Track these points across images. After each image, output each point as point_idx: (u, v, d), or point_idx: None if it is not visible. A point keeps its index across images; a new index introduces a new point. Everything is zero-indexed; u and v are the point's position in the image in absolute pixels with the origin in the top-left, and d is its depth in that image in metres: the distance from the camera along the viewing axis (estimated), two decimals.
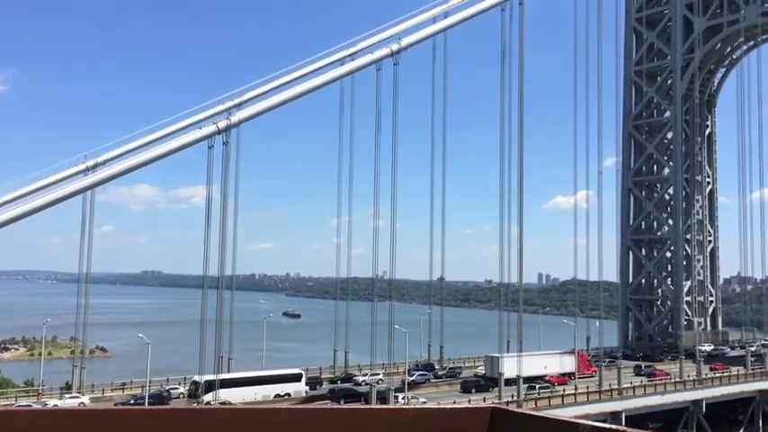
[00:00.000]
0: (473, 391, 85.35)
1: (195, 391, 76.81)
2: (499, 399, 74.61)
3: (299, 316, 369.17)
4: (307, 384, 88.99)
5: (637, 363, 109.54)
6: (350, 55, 68.92)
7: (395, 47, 67.40)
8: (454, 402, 72.28)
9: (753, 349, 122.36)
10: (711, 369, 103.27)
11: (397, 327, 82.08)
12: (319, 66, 67.15)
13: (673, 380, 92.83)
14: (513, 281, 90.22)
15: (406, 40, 68.62)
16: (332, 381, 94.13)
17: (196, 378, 76.39)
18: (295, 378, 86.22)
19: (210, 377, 75.10)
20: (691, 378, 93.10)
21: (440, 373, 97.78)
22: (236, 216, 65.60)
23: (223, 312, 63.30)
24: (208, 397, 74.25)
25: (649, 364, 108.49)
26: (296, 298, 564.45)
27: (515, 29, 76.56)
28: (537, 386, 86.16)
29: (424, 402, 77.76)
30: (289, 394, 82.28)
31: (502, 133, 79.31)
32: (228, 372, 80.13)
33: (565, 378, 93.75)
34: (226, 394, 74.94)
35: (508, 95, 79.23)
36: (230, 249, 61.65)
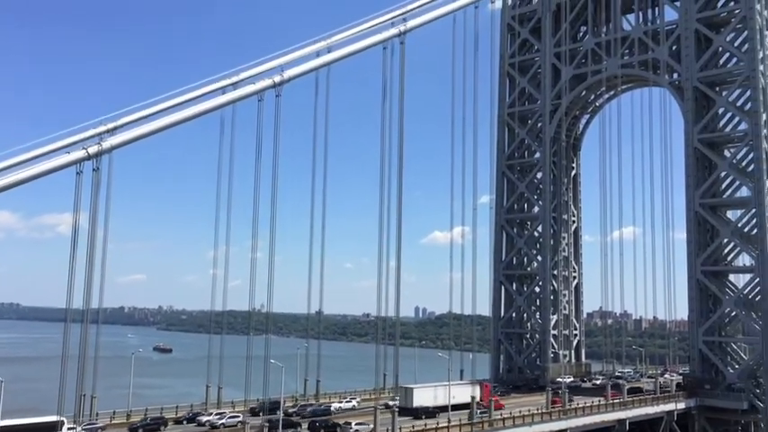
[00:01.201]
0: (423, 417, 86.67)
1: None
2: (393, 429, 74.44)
3: (170, 351, 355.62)
4: (141, 427, 79.95)
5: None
6: (232, 84, 68.33)
7: (277, 78, 67.46)
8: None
9: (599, 382, 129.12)
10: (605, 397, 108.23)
11: (273, 361, 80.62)
12: (201, 93, 66.07)
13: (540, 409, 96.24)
14: (390, 314, 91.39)
15: (288, 73, 68.84)
16: (177, 421, 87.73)
17: None
18: (48, 428, 66.67)
19: None
20: (556, 409, 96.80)
21: (290, 410, 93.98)
22: (105, 246, 62.51)
23: (87, 347, 59.65)
24: None
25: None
26: (168, 332, 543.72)
27: (397, 66, 78.75)
28: (478, 411, 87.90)
29: (372, 428, 75.96)
30: None
31: (382, 168, 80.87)
32: (91, 411, 75.30)
33: (501, 404, 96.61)
34: None
35: (389, 131, 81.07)
36: (97, 280, 58.55)
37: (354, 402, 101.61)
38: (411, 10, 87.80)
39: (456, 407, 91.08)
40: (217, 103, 65.34)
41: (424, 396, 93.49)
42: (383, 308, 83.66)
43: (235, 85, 67.56)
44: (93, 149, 54.15)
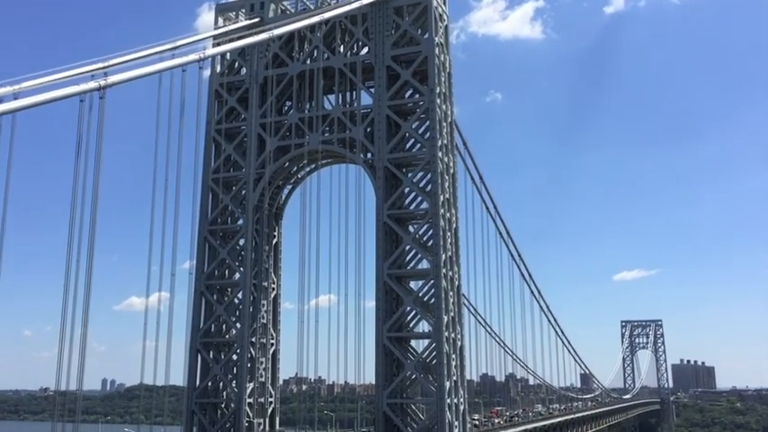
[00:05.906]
0: None
1: None
2: None
3: None
4: None
5: None
6: None
7: None
8: None
9: None
10: None
11: None
12: None
13: None
14: (72, 388, 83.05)
15: None
16: None
17: None
18: None
19: None
20: None
21: None
22: None
23: None
24: None
25: None
26: None
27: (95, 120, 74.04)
28: None
29: None
30: None
31: (71, 228, 74.43)
32: None
33: None
34: None
35: (82, 189, 75.28)
36: None
37: None
38: (114, 65, 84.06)
39: None
40: None
41: None
42: (63, 381, 75.72)
43: None
44: None
